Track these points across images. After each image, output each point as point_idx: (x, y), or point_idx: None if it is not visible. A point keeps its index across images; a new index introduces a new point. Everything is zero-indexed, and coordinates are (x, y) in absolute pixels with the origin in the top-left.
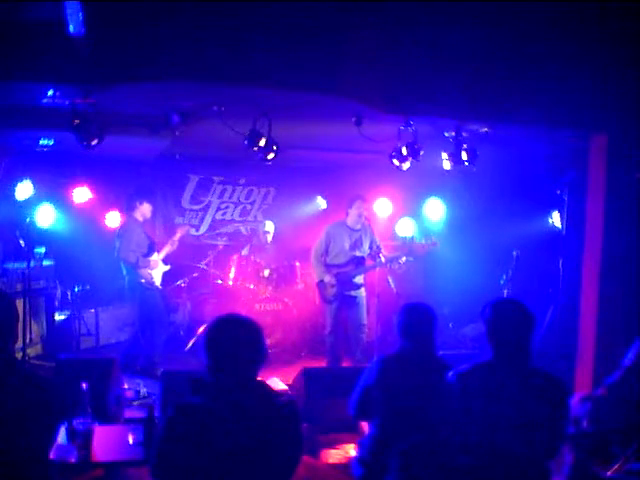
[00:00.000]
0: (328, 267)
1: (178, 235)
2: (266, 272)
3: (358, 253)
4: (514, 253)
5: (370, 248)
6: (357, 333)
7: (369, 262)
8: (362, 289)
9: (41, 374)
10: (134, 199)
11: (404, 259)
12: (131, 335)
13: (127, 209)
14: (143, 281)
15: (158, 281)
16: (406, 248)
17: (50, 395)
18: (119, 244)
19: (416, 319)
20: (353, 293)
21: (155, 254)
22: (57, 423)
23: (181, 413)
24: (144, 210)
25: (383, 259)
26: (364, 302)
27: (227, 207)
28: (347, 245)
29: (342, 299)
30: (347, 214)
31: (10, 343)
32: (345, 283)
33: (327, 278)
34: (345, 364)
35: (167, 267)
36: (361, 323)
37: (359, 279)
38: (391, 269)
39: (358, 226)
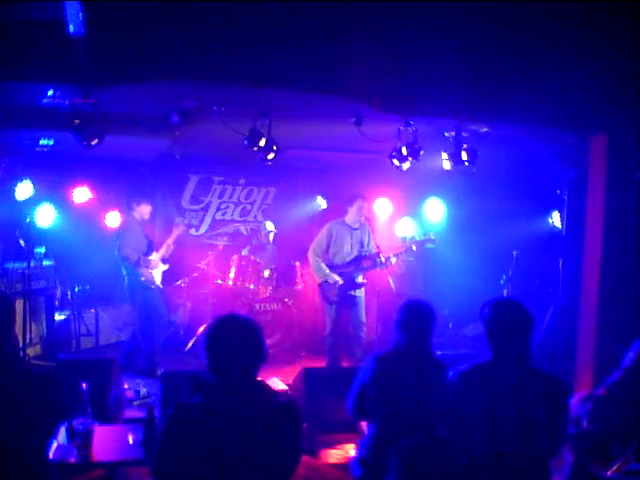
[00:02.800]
0: (330, 267)
1: (175, 234)
2: (266, 272)
3: (359, 252)
4: (514, 253)
5: (369, 246)
6: (357, 332)
7: (368, 262)
8: (363, 289)
9: (42, 369)
10: (135, 199)
11: (405, 255)
12: (130, 335)
13: (127, 208)
14: (143, 279)
15: (158, 280)
16: (405, 246)
17: (49, 388)
18: (119, 242)
19: (414, 315)
20: (355, 293)
21: (154, 253)
22: (57, 421)
23: (181, 413)
24: (143, 211)
25: (383, 258)
26: (363, 301)
27: (227, 207)
28: (349, 245)
29: (343, 299)
30: (346, 212)
31: (9, 340)
32: (348, 283)
33: (332, 279)
34: (345, 364)
35: (165, 266)
36: (361, 322)
37: (361, 278)
38: (391, 269)
39: (357, 225)
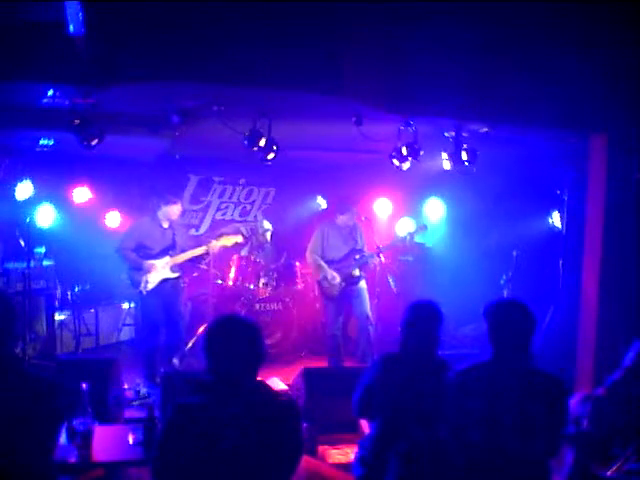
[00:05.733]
0: (327, 264)
1: (215, 247)
2: (266, 272)
3: (353, 247)
4: (514, 253)
5: (362, 242)
6: (364, 325)
7: (362, 254)
8: (363, 281)
9: (43, 374)
10: (164, 198)
11: (395, 244)
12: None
13: (153, 207)
14: (134, 280)
15: (150, 285)
16: (396, 238)
17: (53, 395)
18: (121, 237)
19: (422, 315)
20: (354, 286)
21: (166, 258)
22: (60, 423)
23: (181, 413)
24: (170, 211)
25: (383, 257)
26: (366, 294)
27: (227, 207)
28: (341, 241)
29: (343, 293)
30: (336, 217)
31: (8, 342)
32: (346, 277)
33: (331, 275)
34: (346, 364)
35: (173, 274)
36: (366, 314)
37: (357, 272)
38: (391, 270)
39: (345, 226)
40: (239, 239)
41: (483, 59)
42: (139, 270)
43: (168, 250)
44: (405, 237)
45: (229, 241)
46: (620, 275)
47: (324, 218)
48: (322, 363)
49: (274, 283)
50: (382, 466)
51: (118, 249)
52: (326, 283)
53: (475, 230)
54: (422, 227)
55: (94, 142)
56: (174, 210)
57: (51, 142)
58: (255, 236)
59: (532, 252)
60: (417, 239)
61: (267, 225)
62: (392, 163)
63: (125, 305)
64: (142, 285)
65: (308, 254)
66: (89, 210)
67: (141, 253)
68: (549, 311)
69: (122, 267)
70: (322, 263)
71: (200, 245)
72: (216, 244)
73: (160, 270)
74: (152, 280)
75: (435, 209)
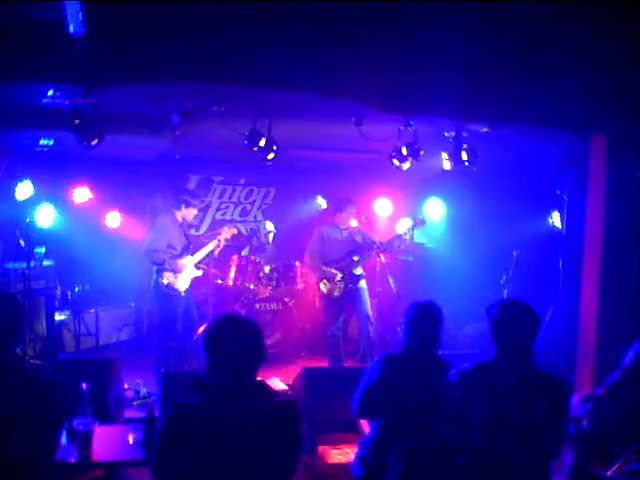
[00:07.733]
0: (327, 265)
1: (223, 236)
2: (266, 272)
3: (352, 247)
4: (514, 253)
5: (364, 242)
6: (364, 326)
7: (361, 252)
8: (363, 280)
9: (44, 374)
10: (185, 199)
11: (395, 242)
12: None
13: (173, 206)
14: (166, 282)
15: (183, 286)
16: (395, 234)
17: (53, 395)
18: (148, 239)
19: (423, 316)
20: (355, 286)
21: (188, 257)
22: (60, 423)
23: (181, 413)
24: (189, 214)
25: (383, 257)
26: (366, 294)
27: (227, 207)
28: (340, 241)
29: (343, 294)
30: (335, 215)
31: (11, 343)
32: (346, 276)
33: (331, 273)
34: (346, 364)
35: (199, 272)
36: (366, 315)
37: (359, 270)
38: (391, 270)
39: (344, 225)
40: (235, 231)
41: (483, 59)
42: (173, 271)
43: (187, 249)
44: (405, 234)
45: (228, 233)
46: (620, 275)
47: (324, 218)
48: (322, 363)
49: (274, 283)
50: (382, 466)
51: (149, 251)
52: (328, 283)
53: (475, 230)
54: (420, 221)
55: (94, 142)
56: (192, 213)
57: (51, 142)
58: (256, 237)
59: (532, 252)
60: (417, 236)
61: (270, 227)
62: (392, 163)
63: (125, 305)
64: (182, 286)
65: (306, 258)
66: (89, 210)
67: (167, 254)
68: (549, 311)
69: (122, 267)
70: (322, 265)
71: (203, 244)
72: (222, 236)
73: (189, 269)
74: (185, 280)
75: (435, 209)
